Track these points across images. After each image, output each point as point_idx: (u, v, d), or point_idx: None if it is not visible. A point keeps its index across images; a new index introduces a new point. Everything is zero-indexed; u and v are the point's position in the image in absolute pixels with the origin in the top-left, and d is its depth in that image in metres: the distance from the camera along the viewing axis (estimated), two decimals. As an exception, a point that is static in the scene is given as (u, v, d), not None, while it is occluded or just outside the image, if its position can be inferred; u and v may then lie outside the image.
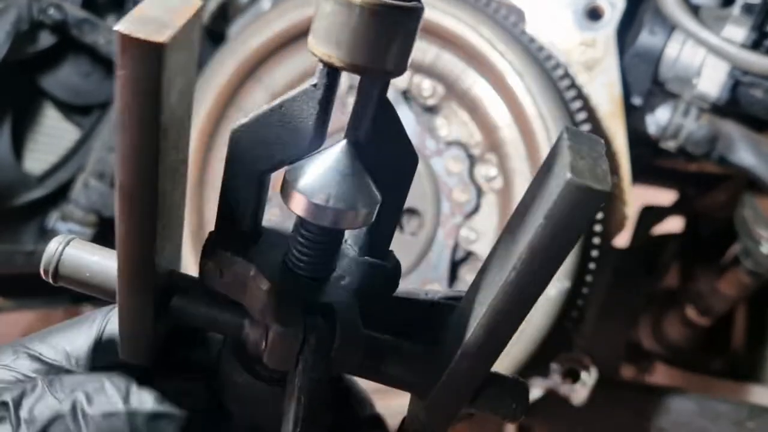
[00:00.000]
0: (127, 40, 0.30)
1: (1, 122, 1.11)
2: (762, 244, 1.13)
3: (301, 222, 0.41)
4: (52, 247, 0.44)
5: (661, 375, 1.65)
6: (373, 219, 0.41)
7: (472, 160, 1.02)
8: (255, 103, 1.17)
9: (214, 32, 1.32)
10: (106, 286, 0.44)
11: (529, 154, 0.99)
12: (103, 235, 1.29)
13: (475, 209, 1.02)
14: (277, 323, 0.40)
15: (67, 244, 0.44)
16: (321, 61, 0.36)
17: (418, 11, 0.35)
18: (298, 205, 0.38)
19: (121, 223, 0.38)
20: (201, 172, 1.20)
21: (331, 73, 0.38)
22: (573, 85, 1.03)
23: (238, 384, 0.45)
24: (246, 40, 1.13)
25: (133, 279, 0.40)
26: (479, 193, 1.02)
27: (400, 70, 0.37)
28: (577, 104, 0.99)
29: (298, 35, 1.12)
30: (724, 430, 1.15)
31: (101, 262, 0.44)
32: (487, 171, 1.02)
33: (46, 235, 1.22)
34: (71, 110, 1.24)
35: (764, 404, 1.21)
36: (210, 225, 1.23)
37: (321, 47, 0.35)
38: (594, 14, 1.05)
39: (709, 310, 1.45)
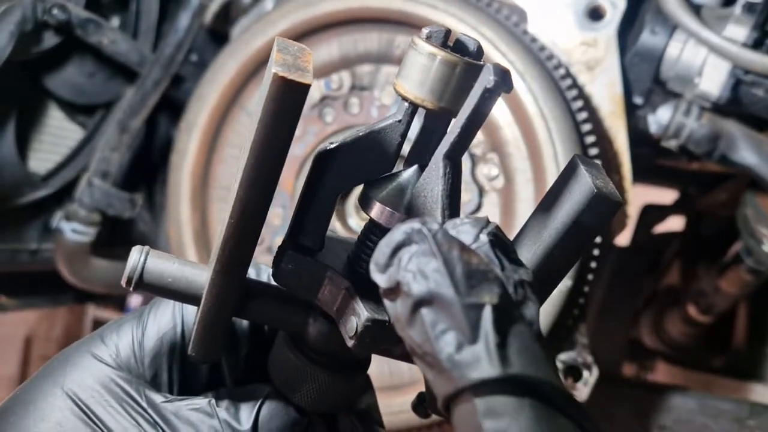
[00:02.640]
0: (284, 81, 0.38)
1: (5, 122, 1.12)
2: (763, 242, 1.13)
3: (371, 228, 0.49)
4: (135, 257, 0.50)
5: (662, 373, 1.65)
6: None
7: (474, 160, 1.03)
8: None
9: (217, 33, 1.33)
10: (187, 290, 0.50)
11: (530, 153, 0.99)
12: (106, 234, 1.29)
13: (477, 208, 1.03)
14: (367, 312, 0.45)
15: (148, 253, 0.50)
16: (410, 102, 0.45)
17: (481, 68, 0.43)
18: (378, 212, 0.47)
19: (232, 232, 0.45)
20: (204, 172, 1.21)
21: (414, 112, 0.47)
22: (574, 84, 1.03)
23: (295, 367, 0.51)
24: (249, 40, 1.14)
25: (227, 282, 0.47)
26: (481, 192, 1.03)
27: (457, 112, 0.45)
28: (579, 104, 1.00)
29: (301, 36, 1.12)
30: (725, 427, 1.15)
31: (181, 269, 0.50)
32: (488, 170, 1.02)
33: (50, 233, 1.23)
34: (75, 110, 1.24)
35: (765, 402, 1.21)
36: (213, 224, 1.24)
37: (414, 92, 0.44)
38: (595, 14, 1.05)
39: (710, 308, 1.45)
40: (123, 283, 0.49)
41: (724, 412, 1.15)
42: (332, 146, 0.47)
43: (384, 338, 0.45)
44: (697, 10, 1.03)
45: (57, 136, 1.23)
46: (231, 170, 1.20)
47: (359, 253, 0.50)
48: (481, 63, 0.44)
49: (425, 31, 0.44)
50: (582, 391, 1.04)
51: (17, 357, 3.89)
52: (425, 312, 0.34)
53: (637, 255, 1.54)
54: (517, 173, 1.01)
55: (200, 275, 0.50)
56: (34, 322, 3.83)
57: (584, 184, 0.43)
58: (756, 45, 0.98)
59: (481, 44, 0.46)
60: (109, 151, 1.21)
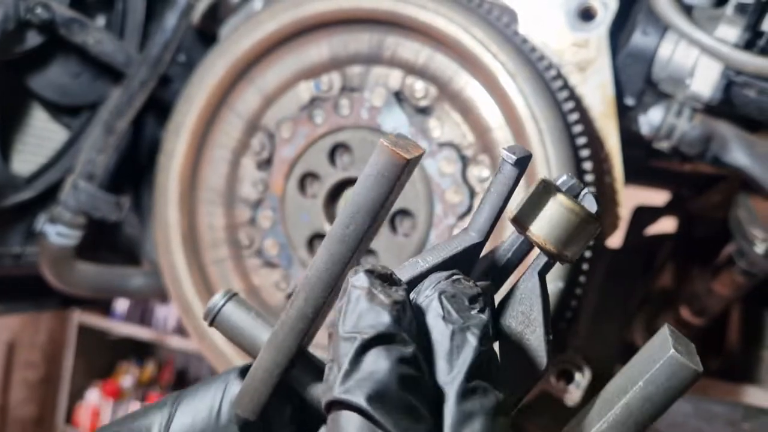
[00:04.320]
0: (390, 150, 0.44)
1: (-12, 123, 1.10)
2: (756, 244, 1.13)
3: None
4: (217, 298, 0.55)
5: (655, 376, 1.64)
6: None
7: (465, 161, 1.02)
8: (247, 104, 1.16)
9: (205, 33, 1.31)
10: (250, 347, 0.54)
11: (521, 154, 0.98)
12: (92, 237, 1.27)
13: (468, 210, 1.02)
14: None
15: (230, 298, 0.54)
16: (539, 246, 0.48)
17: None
18: None
19: (302, 304, 0.48)
20: (192, 174, 1.19)
21: (528, 248, 0.50)
22: (566, 85, 1.02)
23: None
24: (238, 40, 1.12)
25: (285, 349, 0.50)
26: (472, 194, 1.01)
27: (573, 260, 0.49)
28: (570, 105, 0.99)
29: (290, 36, 1.11)
30: (719, 430, 1.15)
31: (252, 326, 0.54)
32: (479, 172, 1.01)
33: (34, 237, 1.21)
34: (60, 111, 1.22)
35: (759, 405, 1.21)
36: (201, 227, 1.23)
37: (544, 237, 0.47)
38: (586, 15, 1.05)
39: (703, 310, 1.45)
40: (203, 316, 0.55)
41: (718, 415, 1.15)
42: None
43: None
44: (688, 11, 1.03)
45: (41, 137, 1.21)
46: (219, 171, 1.19)
47: None
48: (595, 215, 0.48)
49: (562, 180, 0.48)
50: (574, 393, 1.03)
51: (0, 363, 3.84)
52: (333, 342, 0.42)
53: (630, 257, 1.53)
54: (508, 175, 0.99)
55: (266, 334, 0.53)
56: (18, 327, 3.79)
57: (665, 347, 0.46)
58: (748, 45, 0.98)
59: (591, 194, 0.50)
60: (94, 153, 1.19)
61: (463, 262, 0.48)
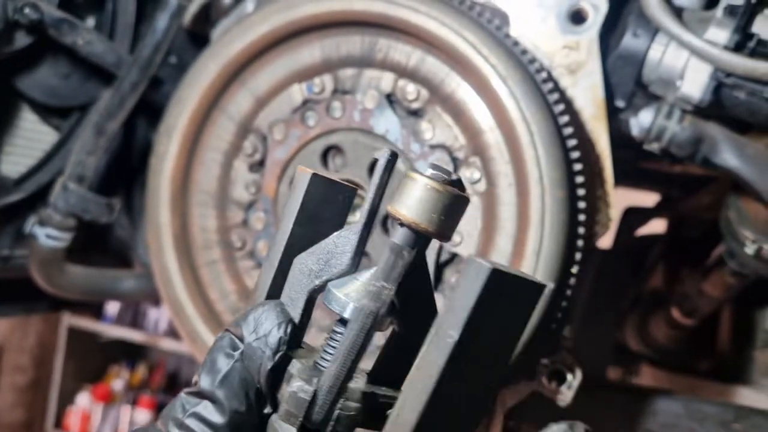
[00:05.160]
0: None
1: (-23, 125, 1.09)
2: (746, 245, 1.14)
3: (336, 322, 0.54)
4: None
5: (647, 376, 1.65)
6: (393, 328, 0.55)
7: (456, 164, 1.02)
8: (238, 106, 1.16)
9: (196, 34, 1.30)
10: None
11: (512, 157, 0.99)
12: (82, 239, 1.26)
13: (460, 212, 1.02)
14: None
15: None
16: (408, 226, 0.51)
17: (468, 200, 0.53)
18: (342, 306, 0.53)
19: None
20: (184, 176, 1.18)
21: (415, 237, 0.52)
22: (557, 88, 1.02)
23: None
24: (230, 42, 1.12)
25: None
26: (464, 196, 1.02)
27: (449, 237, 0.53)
28: (561, 107, 0.99)
29: (282, 38, 1.11)
30: (711, 431, 1.15)
31: None
32: (471, 174, 1.01)
33: (23, 239, 1.20)
34: (49, 112, 1.22)
35: (751, 405, 1.21)
36: (193, 229, 1.22)
37: (414, 217, 0.51)
38: (577, 17, 1.05)
39: (694, 311, 1.45)
40: None
41: (709, 415, 1.15)
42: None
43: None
44: (678, 13, 1.03)
45: (30, 139, 1.20)
46: (211, 174, 1.18)
47: (322, 348, 0.55)
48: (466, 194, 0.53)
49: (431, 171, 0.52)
50: (566, 394, 1.03)
51: (-11, 367, 3.80)
52: None
53: (621, 258, 1.54)
54: (499, 177, 1.00)
55: None
56: (7, 331, 3.76)
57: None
58: (737, 47, 0.99)
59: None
60: (84, 155, 1.18)
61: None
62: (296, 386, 0.51)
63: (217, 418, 0.52)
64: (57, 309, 1.38)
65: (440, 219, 0.51)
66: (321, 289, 0.55)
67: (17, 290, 1.25)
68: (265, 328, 0.53)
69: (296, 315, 0.55)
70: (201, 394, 0.53)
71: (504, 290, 0.47)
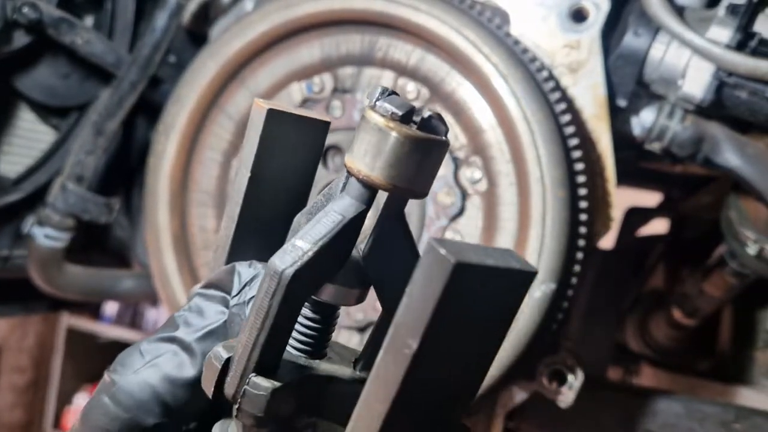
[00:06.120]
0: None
1: (-25, 124, 1.09)
2: (747, 245, 1.13)
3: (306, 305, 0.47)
4: None
5: (647, 377, 1.64)
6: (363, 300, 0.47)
7: (457, 163, 1.01)
8: (238, 105, 1.15)
9: (195, 33, 1.30)
10: None
11: (513, 156, 0.98)
12: (81, 239, 1.26)
13: (460, 212, 1.01)
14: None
15: None
16: (356, 177, 0.42)
17: (446, 144, 0.42)
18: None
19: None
20: (183, 175, 1.18)
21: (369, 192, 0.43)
22: (558, 87, 1.02)
23: None
24: (229, 41, 1.12)
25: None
26: (464, 195, 1.01)
27: (424, 193, 0.43)
28: (562, 106, 0.99)
29: (282, 37, 1.10)
30: (710, 431, 1.15)
31: None
32: (471, 173, 1.01)
33: (22, 239, 1.19)
34: (48, 112, 1.21)
35: (751, 406, 1.21)
36: (192, 229, 1.22)
37: (377, 174, 0.41)
38: (578, 16, 1.05)
39: (695, 311, 1.45)
40: None
41: (710, 415, 1.15)
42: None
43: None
44: (680, 12, 1.03)
45: (28, 138, 1.19)
46: (210, 173, 1.18)
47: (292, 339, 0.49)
48: (435, 137, 0.42)
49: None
50: (567, 395, 1.03)
51: (-12, 368, 3.79)
52: None
53: (622, 258, 1.54)
54: (500, 176, 0.99)
55: None
56: (6, 331, 3.75)
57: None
58: (739, 47, 0.98)
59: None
60: (83, 155, 1.18)
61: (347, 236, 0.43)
62: (213, 352, 0.45)
63: (189, 371, 0.48)
64: (56, 309, 1.38)
65: (400, 168, 0.40)
66: None
67: (16, 290, 1.25)
68: (250, 294, 0.49)
69: None
70: (175, 342, 0.49)
71: (477, 284, 0.34)
